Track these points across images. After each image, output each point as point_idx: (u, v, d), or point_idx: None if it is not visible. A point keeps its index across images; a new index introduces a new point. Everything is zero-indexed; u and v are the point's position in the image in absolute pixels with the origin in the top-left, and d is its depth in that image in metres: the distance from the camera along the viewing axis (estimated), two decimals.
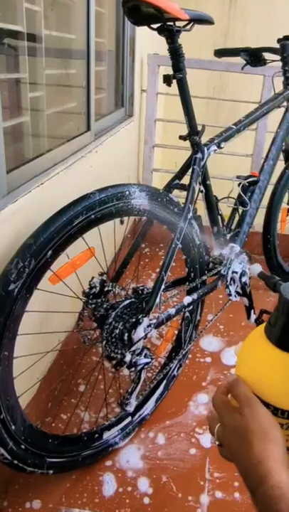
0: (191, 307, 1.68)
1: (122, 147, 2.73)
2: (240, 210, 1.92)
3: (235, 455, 0.69)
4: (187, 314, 1.84)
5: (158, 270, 1.45)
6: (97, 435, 1.58)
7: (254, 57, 2.01)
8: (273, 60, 2.01)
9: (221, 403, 0.75)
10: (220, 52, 2.09)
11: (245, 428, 0.68)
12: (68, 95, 2.05)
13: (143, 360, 1.41)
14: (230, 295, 1.81)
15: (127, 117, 2.91)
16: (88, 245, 1.37)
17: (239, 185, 1.93)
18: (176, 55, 1.49)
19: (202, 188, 1.69)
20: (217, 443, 0.75)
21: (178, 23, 1.44)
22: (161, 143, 3.32)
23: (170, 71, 1.52)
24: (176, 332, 1.89)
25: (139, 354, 1.40)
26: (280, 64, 2.04)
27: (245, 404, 0.70)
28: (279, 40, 2.01)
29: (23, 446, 1.27)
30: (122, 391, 1.83)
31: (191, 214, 1.54)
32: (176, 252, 1.48)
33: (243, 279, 1.81)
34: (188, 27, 1.46)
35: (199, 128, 1.61)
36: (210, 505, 1.47)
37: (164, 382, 1.83)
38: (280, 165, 2.31)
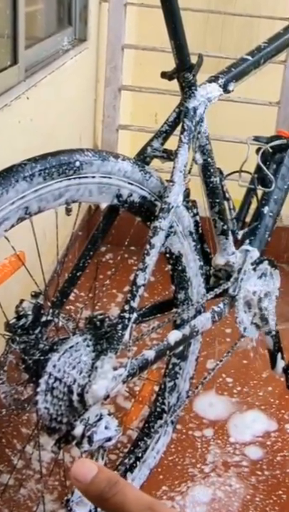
0: (181, 348, 1.68)
1: (70, 91, 2.73)
2: (259, 193, 1.93)
3: None
4: (174, 360, 1.85)
5: (127, 288, 1.45)
6: None
7: None
8: None
9: None
10: None
11: None
12: None
13: (103, 433, 1.40)
14: (244, 329, 1.82)
15: (77, 43, 2.92)
16: (15, 249, 1.36)
17: (258, 151, 1.94)
18: None
19: (198, 157, 1.70)
20: None
21: None
22: (133, 84, 3.33)
23: None
24: (156, 388, 1.89)
25: (97, 424, 1.40)
26: None
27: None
28: None
29: None
30: (68, 483, 1.82)
31: (181, 198, 1.54)
32: (157, 260, 1.48)
33: (264, 304, 1.82)
34: None
35: (194, 60, 1.62)
36: None
37: (138, 468, 1.84)
38: None
